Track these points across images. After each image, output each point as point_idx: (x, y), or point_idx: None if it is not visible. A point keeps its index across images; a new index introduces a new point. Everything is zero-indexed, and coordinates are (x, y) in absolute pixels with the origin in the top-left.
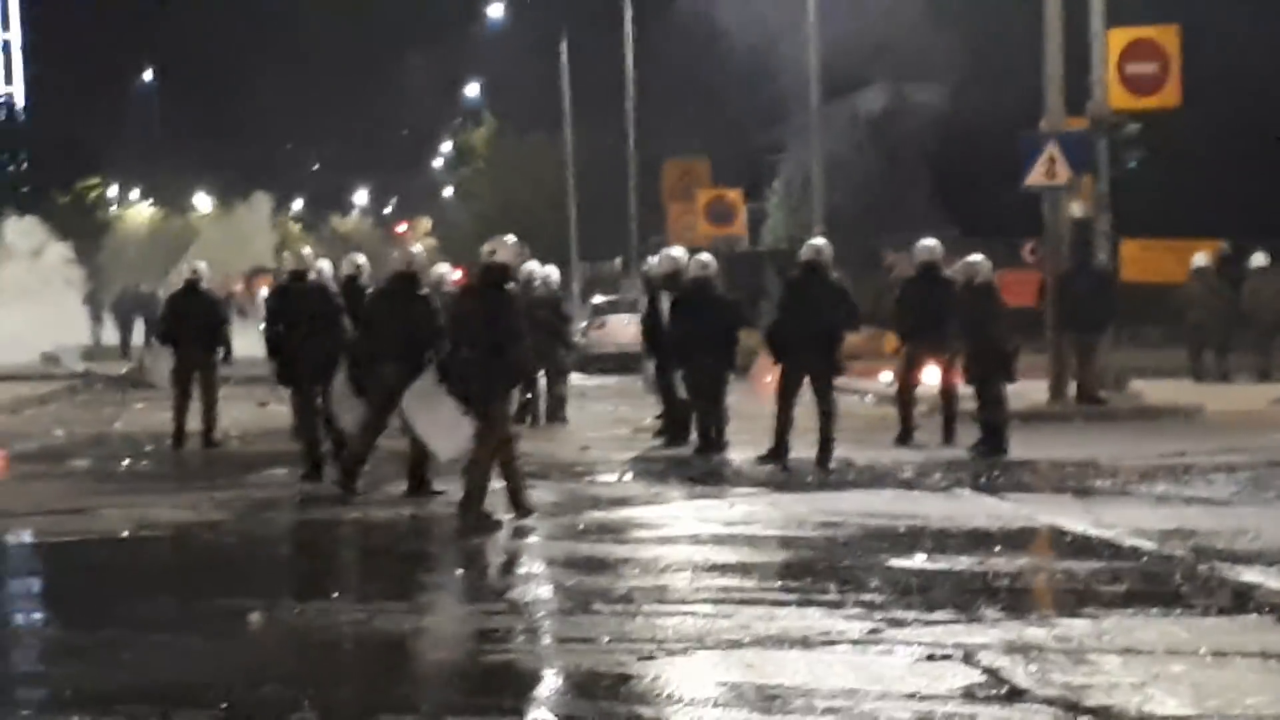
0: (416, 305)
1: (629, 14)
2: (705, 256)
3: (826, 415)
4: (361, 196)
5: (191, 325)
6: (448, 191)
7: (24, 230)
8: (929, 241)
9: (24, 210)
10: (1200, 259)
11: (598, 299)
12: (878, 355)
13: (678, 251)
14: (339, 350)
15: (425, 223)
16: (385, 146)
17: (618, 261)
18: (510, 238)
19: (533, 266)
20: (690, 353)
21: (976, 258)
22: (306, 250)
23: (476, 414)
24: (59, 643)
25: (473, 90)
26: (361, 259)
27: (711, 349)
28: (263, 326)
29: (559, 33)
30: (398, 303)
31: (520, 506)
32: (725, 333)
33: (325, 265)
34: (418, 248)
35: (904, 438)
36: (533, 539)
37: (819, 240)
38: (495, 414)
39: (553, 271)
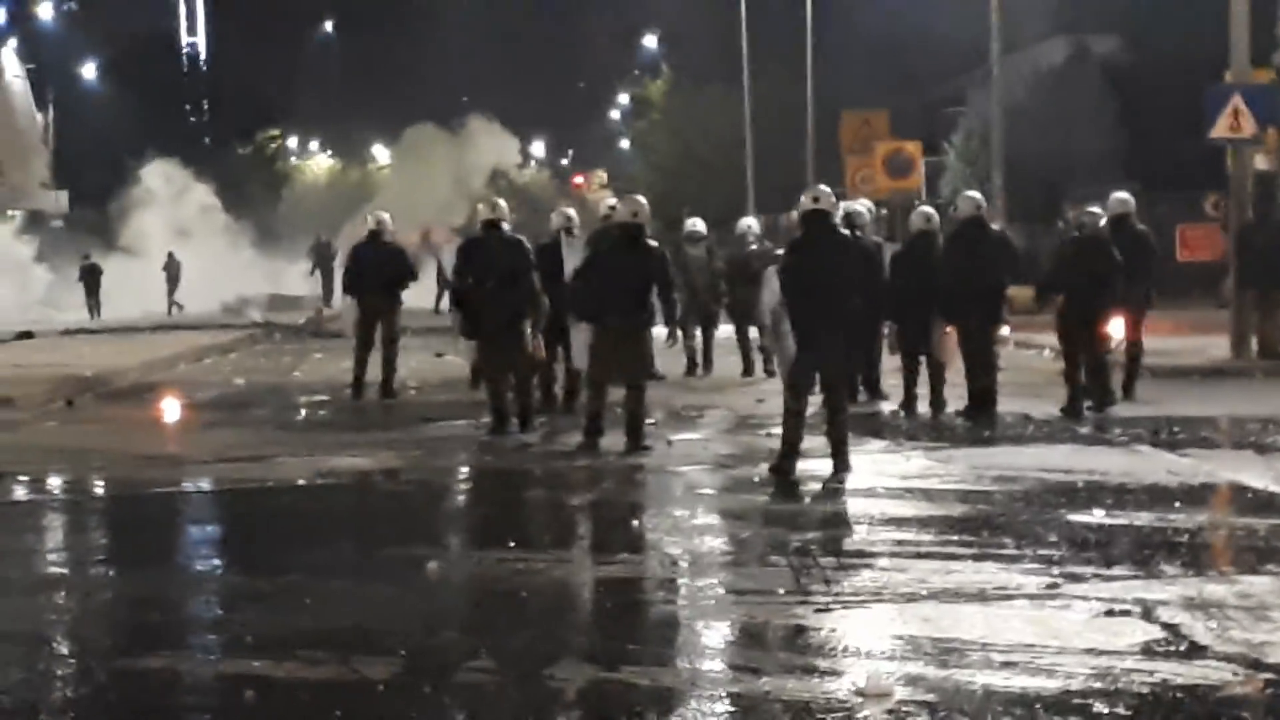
0: (651, 257)
1: None
2: (928, 210)
3: (989, 368)
4: (538, 148)
5: (374, 276)
6: (624, 144)
7: (164, 174)
8: (1121, 194)
9: (205, 161)
10: None
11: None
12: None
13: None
14: (527, 304)
15: (601, 175)
16: (562, 98)
17: (793, 214)
18: (824, 187)
19: (750, 222)
20: (906, 307)
21: (1092, 208)
22: (500, 201)
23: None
24: (240, 588)
25: (650, 41)
26: (572, 211)
27: (926, 304)
28: (451, 277)
29: None
30: (629, 254)
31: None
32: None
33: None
34: (641, 199)
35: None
36: (708, 490)
37: (976, 194)
38: (841, 377)
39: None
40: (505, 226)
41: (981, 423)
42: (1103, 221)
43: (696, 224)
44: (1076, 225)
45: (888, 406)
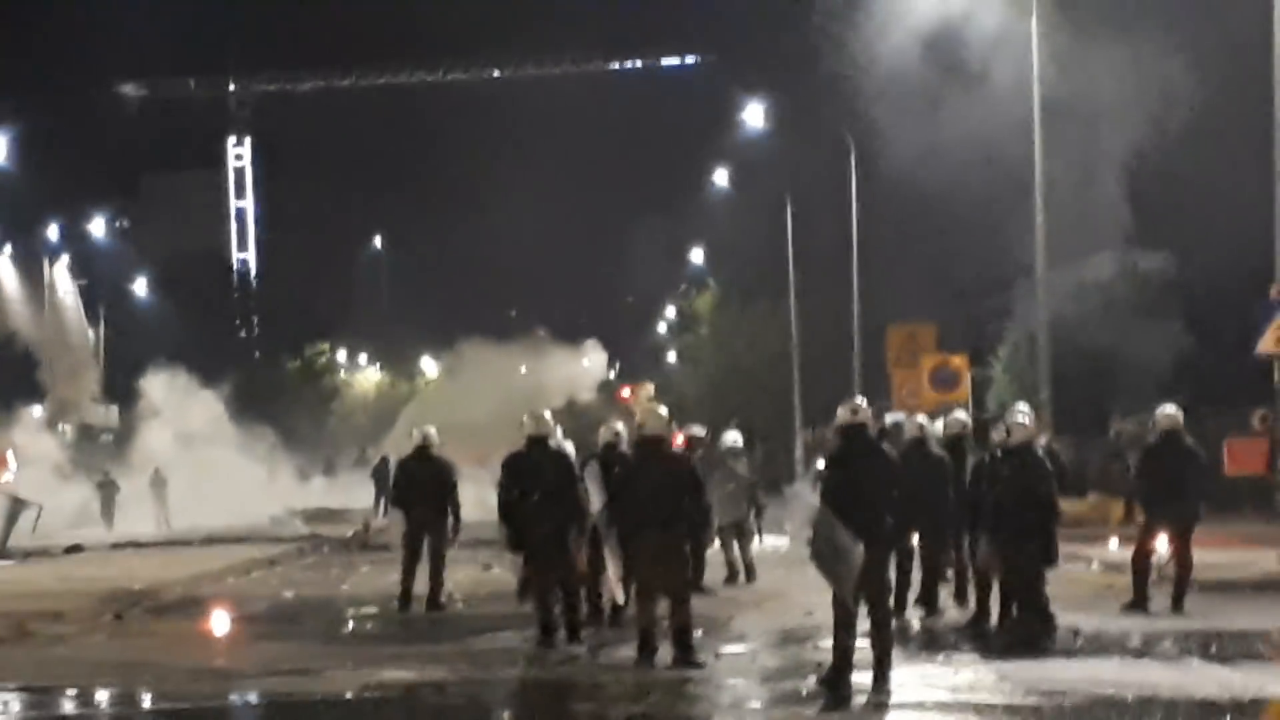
0: (674, 467)
1: (854, 181)
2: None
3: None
4: (582, 361)
5: (423, 489)
6: (671, 356)
7: (165, 384)
8: (1170, 408)
9: (254, 375)
10: None
11: (820, 463)
12: (1104, 522)
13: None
14: (573, 517)
15: (649, 387)
16: (610, 312)
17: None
18: (862, 400)
19: (735, 435)
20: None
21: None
22: (545, 414)
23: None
24: None
25: (697, 256)
26: (619, 426)
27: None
28: (497, 491)
29: (784, 199)
30: (653, 467)
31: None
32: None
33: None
34: (662, 409)
35: (1137, 605)
36: (755, 704)
37: (1025, 406)
38: (883, 590)
39: None
40: (551, 441)
41: (1029, 636)
42: (1041, 439)
43: (735, 438)
44: (999, 443)
45: (941, 620)
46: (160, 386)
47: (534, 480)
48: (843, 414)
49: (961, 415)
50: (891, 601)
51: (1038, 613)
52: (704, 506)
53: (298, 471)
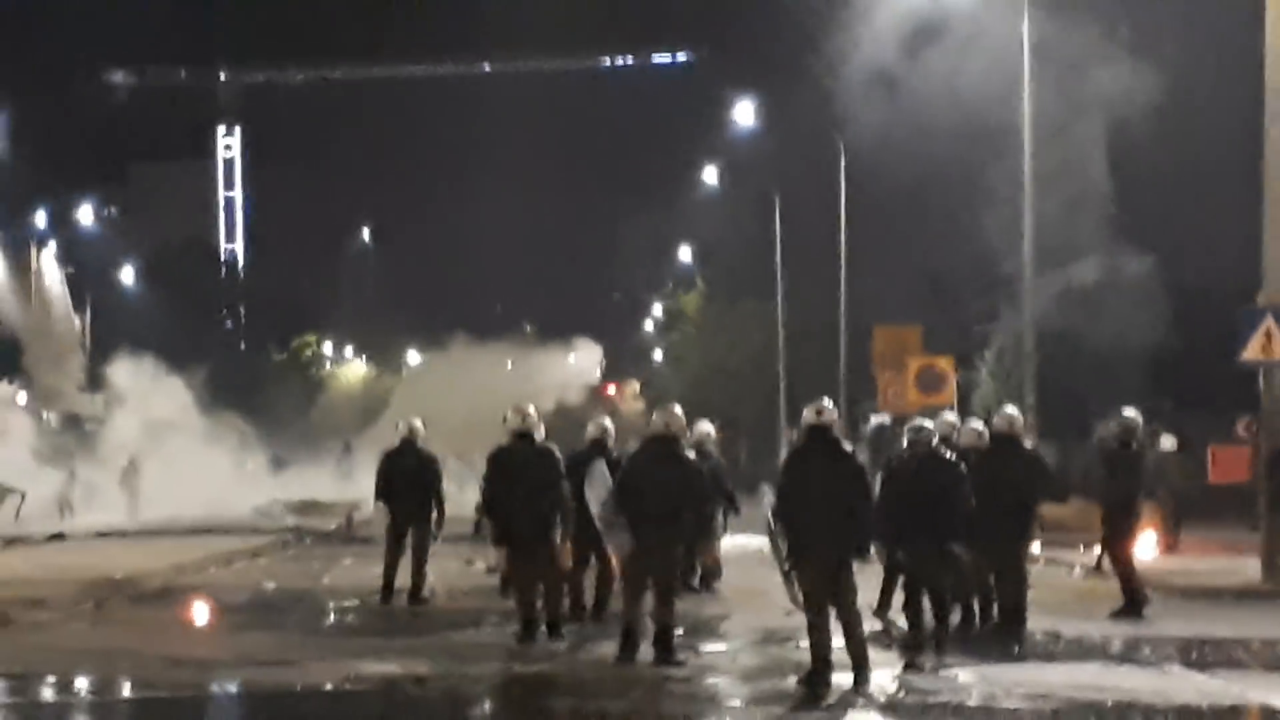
0: (682, 467)
1: (843, 179)
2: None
3: (1019, 584)
4: (571, 359)
5: (407, 482)
6: (657, 354)
7: (136, 372)
8: (1128, 411)
9: (239, 365)
10: None
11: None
12: (1086, 528)
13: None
14: (557, 513)
15: (634, 385)
16: (596, 309)
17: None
18: (828, 402)
19: (708, 428)
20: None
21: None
22: (531, 410)
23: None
24: None
25: (685, 254)
26: (607, 422)
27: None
28: (481, 485)
29: (771, 197)
30: (661, 465)
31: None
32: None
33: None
34: (677, 408)
35: (1122, 610)
36: (735, 703)
37: (1011, 409)
38: (844, 589)
39: None
40: (536, 436)
41: (1011, 639)
42: (934, 439)
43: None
44: (909, 444)
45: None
46: (130, 375)
47: (518, 475)
48: (808, 414)
49: (951, 418)
50: (875, 604)
51: (1017, 616)
52: (706, 510)
53: (279, 463)
